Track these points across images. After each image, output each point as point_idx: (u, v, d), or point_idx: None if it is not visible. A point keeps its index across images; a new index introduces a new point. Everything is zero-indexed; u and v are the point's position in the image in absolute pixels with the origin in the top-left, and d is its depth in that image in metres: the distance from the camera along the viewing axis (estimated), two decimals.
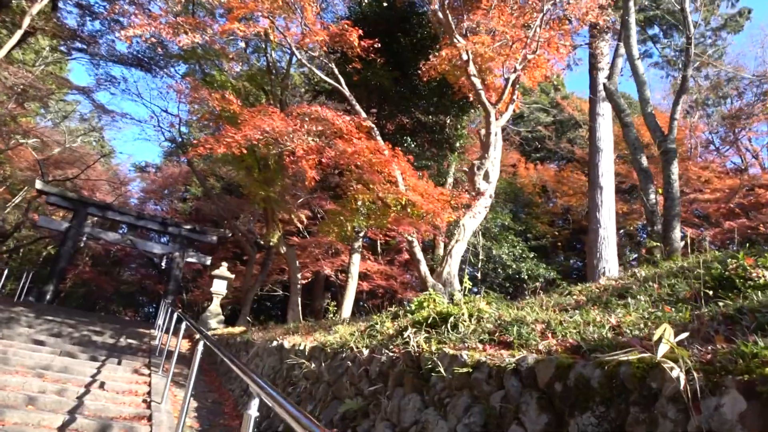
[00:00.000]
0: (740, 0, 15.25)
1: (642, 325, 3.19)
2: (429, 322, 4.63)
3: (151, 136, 42.06)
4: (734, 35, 15.64)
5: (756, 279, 3.37)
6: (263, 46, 15.84)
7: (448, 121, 16.59)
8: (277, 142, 10.44)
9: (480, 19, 11.56)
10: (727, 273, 3.54)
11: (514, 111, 13.26)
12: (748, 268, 3.44)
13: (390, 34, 15.60)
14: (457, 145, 18.05)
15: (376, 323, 5.90)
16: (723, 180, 19.07)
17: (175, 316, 9.97)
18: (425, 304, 5.90)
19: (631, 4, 9.33)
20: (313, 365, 5.91)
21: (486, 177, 11.54)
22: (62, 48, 19.79)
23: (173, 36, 9.61)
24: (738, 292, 3.36)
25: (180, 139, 19.98)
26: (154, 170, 36.04)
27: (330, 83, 11.64)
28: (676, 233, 7.36)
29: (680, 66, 16.33)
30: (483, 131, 11.95)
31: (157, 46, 17.96)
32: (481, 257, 19.40)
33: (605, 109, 15.03)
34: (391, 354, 4.47)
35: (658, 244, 7.18)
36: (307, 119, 10.32)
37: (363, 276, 22.57)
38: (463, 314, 4.41)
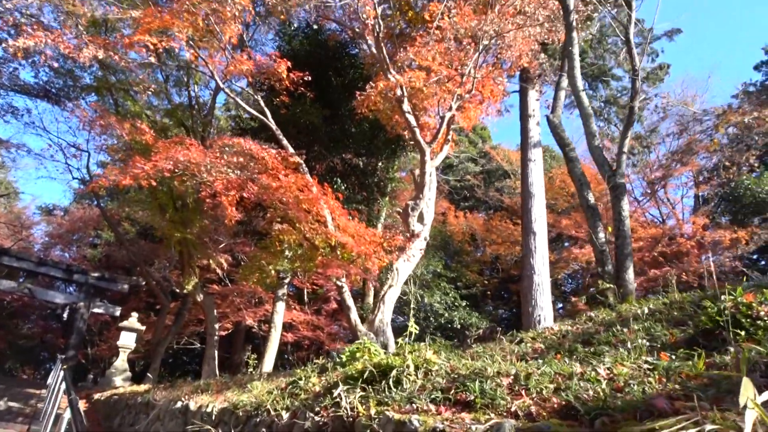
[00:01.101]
0: (660, 56, 16.02)
1: (643, 378, 2.48)
2: (365, 377, 3.76)
3: (57, 176, 39.06)
4: (654, 89, 16.31)
5: (766, 318, 2.78)
6: (185, 79, 14.88)
7: (380, 165, 16.07)
8: (193, 176, 9.42)
9: (413, 56, 11.20)
10: (726, 313, 2.94)
11: (446, 156, 12.96)
12: (754, 306, 2.85)
13: (321, 73, 15.07)
14: (389, 189, 17.53)
15: (300, 378, 4.95)
16: (646, 229, 19.53)
17: (60, 374, 8.50)
18: (358, 354, 5.04)
19: (575, 35, 9.28)
20: None
21: (420, 218, 10.95)
22: None
23: (74, 51, 8.52)
24: (748, 334, 2.75)
25: (89, 178, 18.31)
26: (62, 213, 33.26)
27: (255, 116, 10.82)
28: (630, 274, 6.96)
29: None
30: (417, 171, 11.44)
31: (67, 75, 16.59)
32: (412, 306, 18.67)
33: (536, 154, 15.05)
34: (317, 418, 3.54)
35: (611, 285, 6.74)
36: (227, 152, 9.40)
37: (288, 326, 21.25)
38: (407, 366, 3.58)
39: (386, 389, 3.50)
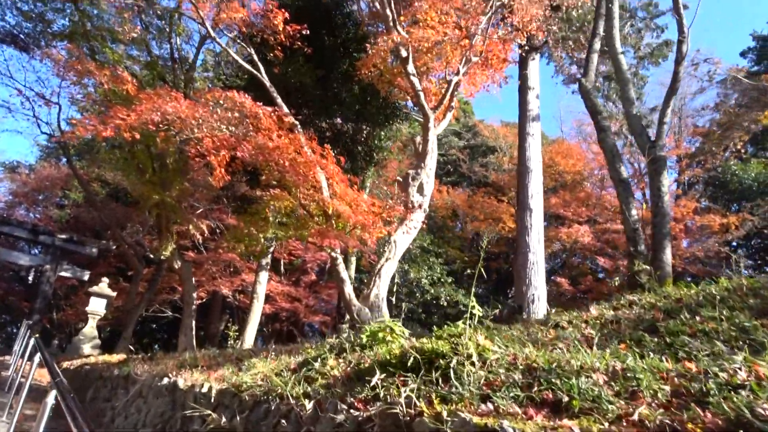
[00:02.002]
0: (665, 33, 15.55)
1: None
2: (409, 364, 3.18)
3: (24, 130, 36.82)
4: (656, 67, 15.87)
5: None
6: (167, 30, 13.81)
7: (370, 132, 15.33)
8: (180, 132, 8.61)
9: (419, 15, 10.44)
10: None
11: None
12: None
13: (314, 32, 14.12)
14: (376, 158, 16.83)
15: (314, 359, 4.36)
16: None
17: (31, 342, 7.75)
18: (381, 335, 4.46)
19: None
20: (223, 418, 4.24)
21: (420, 189, 10.34)
22: None
23: None
24: None
25: (60, 133, 17.13)
26: (27, 171, 31.64)
27: (247, 71, 10.00)
28: (667, 255, 6.51)
29: (602, 94, 16.28)
30: (418, 139, 10.79)
31: (37, 19, 15.30)
32: (396, 280, 18.19)
33: (535, 128, 14.51)
34: (355, 413, 2.96)
35: (646, 267, 6.29)
36: (220, 106, 8.59)
37: (266, 298, 20.65)
38: (462, 354, 3.01)
39: (439, 381, 2.93)
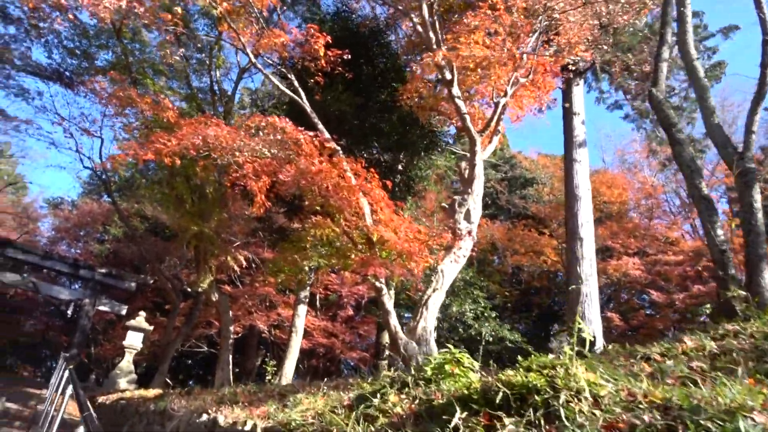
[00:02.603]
0: (717, 54, 14.94)
1: None
2: (497, 401, 2.65)
3: (67, 165, 37.84)
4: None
5: None
6: (207, 62, 13.91)
7: (413, 161, 14.99)
8: (221, 157, 8.37)
9: (463, 38, 10.13)
10: None
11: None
12: None
13: (352, 61, 14.09)
14: (416, 188, 16.43)
15: (372, 394, 3.85)
16: (687, 242, 18.38)
17: (65, 375, 7.43)
18: (448, 367, 3.92)
19: None
20: None
21: (468, 216, 9.85)
22: None
23: (92, 2, 7.45)
24: None
25: (101, 170, 17.33)
26: (70, 207, 32.32)
27: (289, 97, 9.80)
28: (765, 278, 5.82)
29: (651, 119, 15.63)
30: (464, 164, 10.35)
31: (82, 56, 15.64)
32: (437, 314, 17.50)
33: (582, 155, 13.95)
34: None
35: (741, 292, 5.62)
36: (262, 131, 8.35)
37: (303, 333, 20.16)
38: (577, 387, 2.47)
39: (541, 422, 2.39)
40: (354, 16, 15.32)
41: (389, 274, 8.59)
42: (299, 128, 8.69)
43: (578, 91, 14.43)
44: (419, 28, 10.13)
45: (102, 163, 9.31)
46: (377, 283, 8.91)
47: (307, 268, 9.01)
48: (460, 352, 4.10)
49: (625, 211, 22.46)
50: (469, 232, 9.18)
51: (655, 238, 19.39)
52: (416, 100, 12.94)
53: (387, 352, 19.01)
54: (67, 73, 16.68)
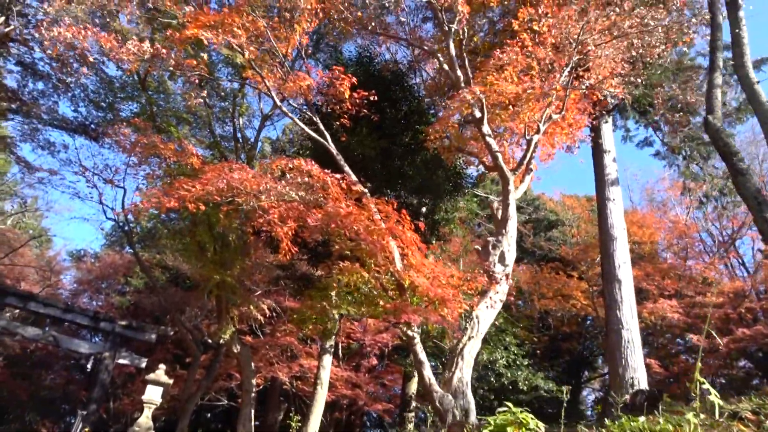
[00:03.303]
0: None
1: None
2: None
3: (90, 216, 38.10)
4: (741, 124, 14.77)
5: None
6: (230, 110, 13.90)
7: (438, 204, 14.63)
8: (245, 203, 8.08)
9: (491, 76, 9.90)
10: None
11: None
12: None
13: (375, 104, 14.01)
14: (441, 232, 16.02)
15: None
16: (726, 283, 17.56)
17: None
18: (510, 429, 3.42)
19: (742, 14, 7.88)
20: None
21: (502, 258, 9.38)
22: None
23: (117, 48, 7.36)
24: None
25: (123, 220, 17.26)
26: (93, 259, 32.40)
27: (313, 139, 9.60)
28: None
29: (684, 155, 15.20)
30: (496, 204, 9.99)
31: (107, 109, 15.80)
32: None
33: (615, 193, 13.50)
34: None
35: None
36: (287, 174, 8.08)
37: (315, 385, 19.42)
38: None
39: None
40: (375, 61, 15.31)
41: (423, 322, 8.10)
42: (325, 171, 8.42)
43: (607, 128, 14.12)
44: (446, 67, 9.95)
45: (124, 210, 9.14)
46: (409, 332, 8.42)
47: (336, 317, 8.55)
48: (522, 411, 3.60)
49: (656, 252, 21.72)
50: (507, 276, 8.70)
51: (691, 279, 18.57)
52: (442, 141, 12.71)
53: (414, 404, 18.21)
54: (92, 126, 16.86)
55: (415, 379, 18.45)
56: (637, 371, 11.21)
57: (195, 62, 8.32)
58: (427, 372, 8.29)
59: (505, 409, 3.68)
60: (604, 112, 13.41)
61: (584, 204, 26.32)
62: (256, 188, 7.75)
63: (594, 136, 13.97)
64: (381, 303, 8.31)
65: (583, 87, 9.40)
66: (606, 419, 4.76)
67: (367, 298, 8.25)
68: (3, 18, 13.32)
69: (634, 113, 14.48)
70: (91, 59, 11.51)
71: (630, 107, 14.20)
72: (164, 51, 7.58)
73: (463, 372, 8.42)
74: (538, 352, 26.25)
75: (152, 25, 12.36)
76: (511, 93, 8.49)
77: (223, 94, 14.08)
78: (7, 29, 12.77)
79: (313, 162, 8.24)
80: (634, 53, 10.40)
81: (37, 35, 14.67)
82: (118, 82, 14.80)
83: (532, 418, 3.54)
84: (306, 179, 7.94)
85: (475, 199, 21.22)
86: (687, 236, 19.65)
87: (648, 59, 10.52)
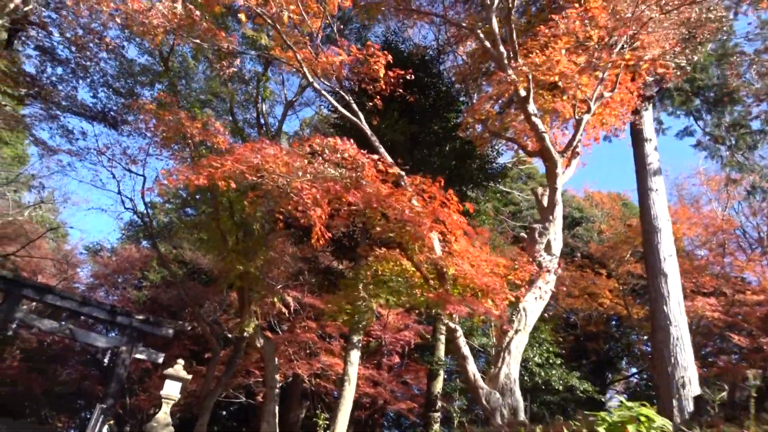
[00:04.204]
0: None
1: None
2: None
3: (108, 206, 37.95)
4: None
5: None
6: (254, 94, 13.37)
7: (470, 194, 13.99)
8: (276, 186, 7.50)
9: (537, 55, 9.24)
10: None
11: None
12: None
13: (406, 88, 13.43)
14: (473, 223, 15.36)
15: None
16: None
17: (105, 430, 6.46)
18: (633, 428, 2.80)
19: None
20: None
21: (548, 248, 8.75)
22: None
23: (146, 15, 6.83)
24: None
25: (139, 217, 16.85)
26: (109, 253, 32.14)
27: (347, 118, 9.00)
28: None
29: (729, 145, 14.44)
30: (540, 190, 9.36)
31: (127, 94, 15.35)
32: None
33: (658, 183, 12.78)
34: None
35: None
36: (321, 153, 7.50)
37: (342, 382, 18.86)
38: None
39: None
40: (403, 45, 14.72)
41: (470, 313, 7.49)
42: (361, 151, 7.83)
43: (648, 116, 13.39)
44: (487, 44, 9.30)
45: (148, 189, 8.64)
46: (451, 324, 7.83)
47: (374, 306, 7.96)
48: (640, 405, 2.97)
49: (690, 249, 20.90)
50: (559, 265, 8.07)
51: (730, 277, 17.74)
52: (475, 128, 12.10)
53: (439, 404, 17.57)
54: (112, 113, 16.43)
55: (441, 378, 17.82)
56: (688, 370, 10.50)
57: (223, 33, 7.76)
58: (472, 367, 7.70)
59: (618, 403, 3.07)
60: (645, 99, 12.70)
61: (614, 199, 25.50)
62: (288, 167, 7.17)
63: (634, 124, 13.25)
64: (421, 292, 7.72)
65: (643, 60, 8.69)
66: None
67: (408, 287, 7.65)
68: None
69: (681, 97, 13.71)
70: (109, 41, 10.98)
71: (675, 92, 13.45)
72: (197, 13, 7.03)
73: (511, 368, 7.83)
74: (564, 352, 25.46)
75: None
76: (561, 70, 7.82)
77: (247, 77, 13.58)
78: (26, 8, 12.31)
79: (351, 141, 7.65)
80: (684, 31, 9.72)
81: (55, 16, 14.28)
82: (138, 66, 14.35)
83: (650, 412, 2.92)
84: (339, 157, 7.36)
85: (497, 195, 20.54)
86: (725, 232, 18.80)
87: (704, 36, 9.80)
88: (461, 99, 14.78)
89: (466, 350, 7.79)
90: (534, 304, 8.11)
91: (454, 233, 7.32)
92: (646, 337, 22.99)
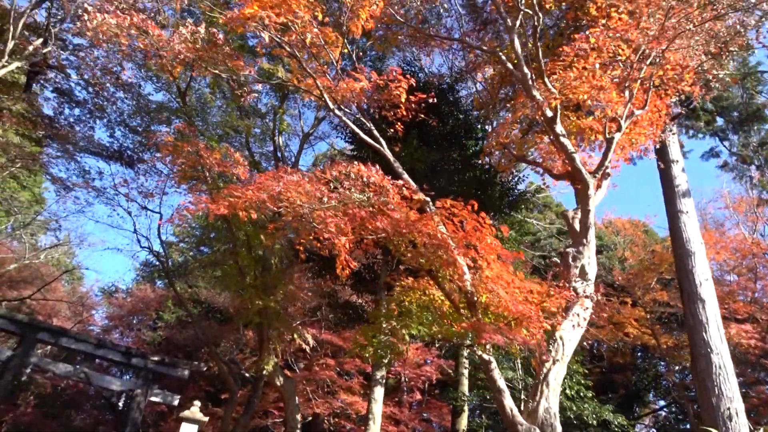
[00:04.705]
0: None
1: None
2: None
3: (124, 247, 37.87)
4: None
5: None
6: (270, 126, 13.30)
7: (494, 220, 13.67)
8: (299, 215, 7.23)
9: (558, 71, 9.02)
10: None
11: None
12: None
13: (426, 115, 13.29)
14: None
15: None
16: None
17: None
18: None
19: None
20: None
21: (583, 273, 8.34)
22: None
23: (168, 41, 6.72)
24: None
25: (155, 256, 16.66)
26: (124, 295, 32.00)
27: (369, 144, 8.78)
28: None
29: (758, 165, 14.07)
30: (571, 213, 8.98)
31: (143, 133, 15.40)
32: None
33: (688, 205, 12.38)
34: None
35: None
36: (338, 182, 7.25)
37: (364, 419, 18.22)
38: None
39: None
40: (420, 75, 14.65)
41: (508, 342, 7.06)
42: (387, 177, 7.57)
43: (674, 137, 13.09)
44: (509, 65, 9.10)
45: (169, 219, 8.44)
46: (485, 356, 7.38)
47: (407, 338, 7.57)
48: None
49: (721, 274, 20.25)
50: (596, 291, 7.66)
51: (762, 302, 17.09)
52: (494, 155, 11.87)
53: None
54: (128, 152, 16.46)
55: (465, 414, 17.17)
56: (734, 401, 9.89)
57: (242, 63, 7.62)
58: (508, 401, 7.21)
59: None
60: (671, 118, 12.41)
61: (636, 225, 24.96)
62: (310, 196, 6.91)
63: (661, 145, 12.94)
64: (450, 322, 7.33)
65: (677, 72, 8.43)
66: None
67: (441, 316, 7.25)
68: (41, 40, 13.02)
69: (707, 116, 13.41)
70: (124, 80, 10.89)
71: (701, 112, 13.18)
72: (220, 36, 6.91)
73: (550, 401, 7.34)
74: (591, 384, 24.60)
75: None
76: (596, 84, 7.55)
77: (263, 111, 13.56)
78: (45, 50, 12.40)
79: (377, 166, 7.38)
80: (712, 48, 9.48)
81: (73, 58, 14.36)
82: (154, 105, 14.41)
83: None
84: (363, 187, 7.09)
85: (514, 225, 20.17)
86: (756, 256, 18.20)
87: (730, 52, 9.56)
88: (479, 126, 14.60)
89: (501, 383, 7.31)
90: (571, 332, 7.66)
91: (486, 258, 6.96)
92: (677, 368, 22.11)
